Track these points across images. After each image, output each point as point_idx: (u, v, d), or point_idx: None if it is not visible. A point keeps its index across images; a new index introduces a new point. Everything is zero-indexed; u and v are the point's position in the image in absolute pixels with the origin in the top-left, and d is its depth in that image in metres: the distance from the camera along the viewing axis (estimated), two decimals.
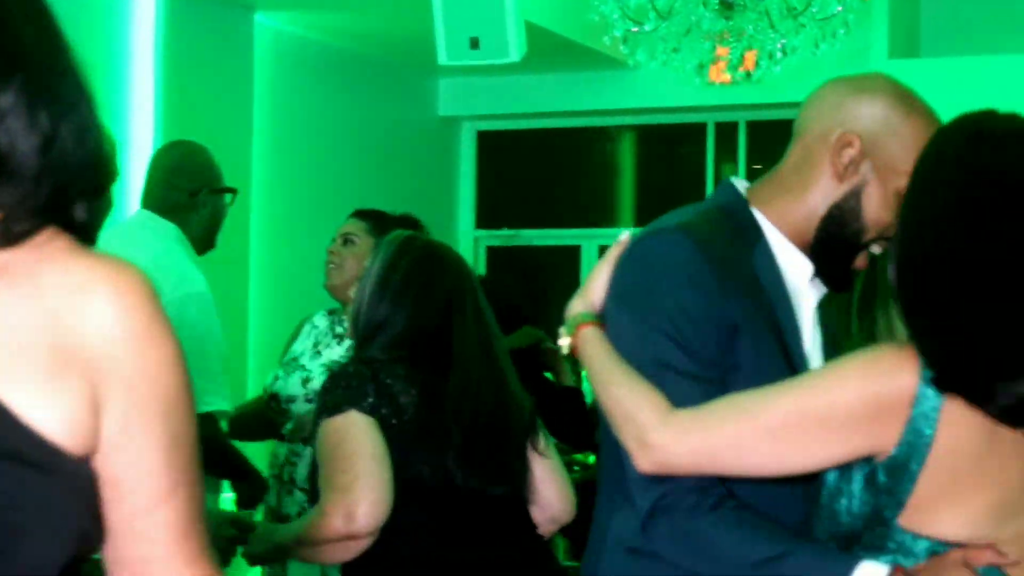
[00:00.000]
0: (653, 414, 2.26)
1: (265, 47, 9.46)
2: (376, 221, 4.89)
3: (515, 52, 8.05)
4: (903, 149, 2.47)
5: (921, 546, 2.27)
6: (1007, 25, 10.10)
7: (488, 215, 11.77)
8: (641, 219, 11.83)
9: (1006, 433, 2.22)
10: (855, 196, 2.51)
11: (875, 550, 2.28)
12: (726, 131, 11.42)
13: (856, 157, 2.50)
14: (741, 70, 7.20)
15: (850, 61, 8.44)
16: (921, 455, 2.22)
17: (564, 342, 2.53)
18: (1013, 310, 2.19)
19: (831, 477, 2.32)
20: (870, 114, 2.53)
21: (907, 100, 2.57)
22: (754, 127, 11.31)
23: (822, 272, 2.59)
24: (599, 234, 11.78)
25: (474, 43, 8.14)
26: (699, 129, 11.45)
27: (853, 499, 2.30)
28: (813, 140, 2.57)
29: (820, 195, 2.53)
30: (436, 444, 3.34)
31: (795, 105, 9.54)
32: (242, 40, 9.13)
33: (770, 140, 11.17)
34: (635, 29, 6.67)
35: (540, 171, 12.11)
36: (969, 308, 2.20)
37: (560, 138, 11.94)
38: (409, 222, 4.84)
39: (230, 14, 8.98)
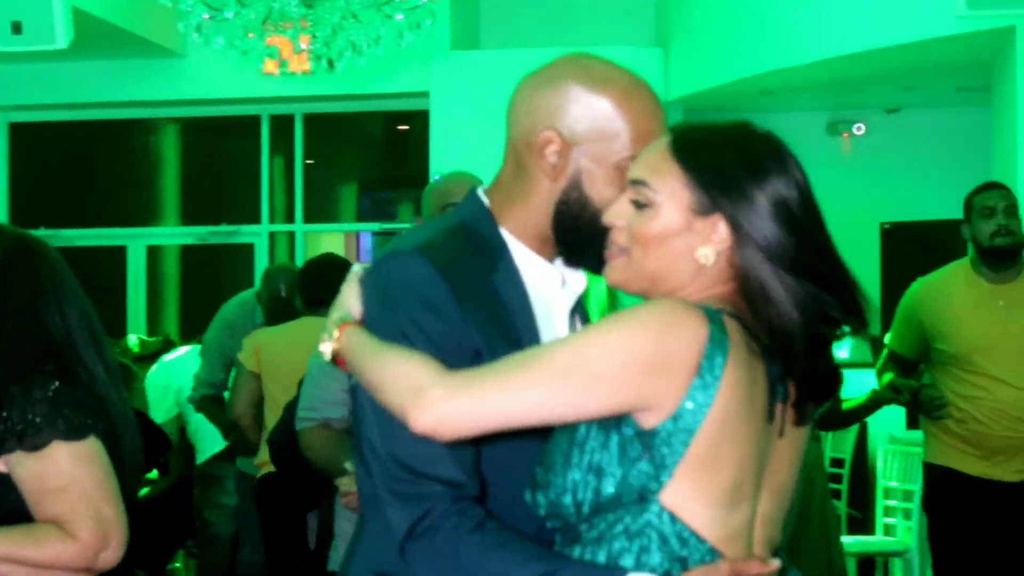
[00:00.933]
0: (427, 374, 2.18)
1: None
2: None
3: (62, 38, 7.86)
4: (606, 121, 2.42)
5: (678, 534, 2.23)
6: (561, 19, 10.55)
7: (23, 214, 11.33)
8: (188, 217, 11.80)
9: (751, 411, 2.22)
10: (576, 187, 2.45)
11: (626, 534, 2.24)
12: (281, 124, 11.42)
13: (561, 151, 2.44)
14: (299, 64, 7.17)
15: (411, 54, 8.58)
16: (697, 421, 2.18)
17: (326, 347, 2.42)
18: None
19: (585, 454, 2.25)
20: (559, 103, 2.45)
21: (590, 73, 2.48)
22: (310, 120, 11.36)
23: (577, 265, 2.56)
24: (145, 233, 11.68)
25: (16, 28, 7.94)
26: (253, 121, 11.41)
27: (606, 475, 2.22)
28: (520, 145, 2.51)
29: (543, 198, 2.48)
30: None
31: (351, 97, 9.66)
32: None
33: (326, 133, 11.28)
34: (207, 16, 6.53)
35: (81, 166, 11.88)
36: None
37: (103, 131, 11.72)
38: None
39: None
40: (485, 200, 2.56)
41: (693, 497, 2.21)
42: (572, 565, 2.23)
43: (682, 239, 2.24)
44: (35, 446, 2.84)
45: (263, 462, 5.78)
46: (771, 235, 2.22)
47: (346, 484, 3.97)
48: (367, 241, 12.46)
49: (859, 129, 11.55)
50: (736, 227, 2.22)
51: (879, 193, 11.01)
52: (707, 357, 2.15)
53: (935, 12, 8.29)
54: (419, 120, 10.63)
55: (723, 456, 2.22)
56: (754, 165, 2.27)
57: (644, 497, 2.20)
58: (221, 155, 11.82)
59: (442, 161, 9.87)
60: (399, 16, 6.90)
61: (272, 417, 5.62)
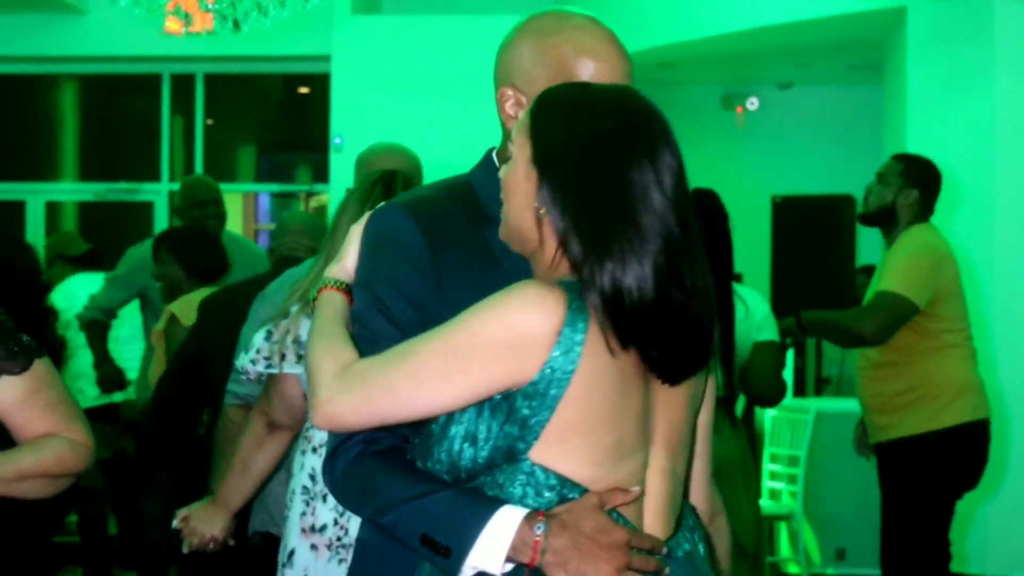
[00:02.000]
0: (329, 373, 2.28)
1: None
2: None
3: None
4: (557, 73, 2.45)
5: (551, 482, 2.25)
6: None
7: None
8: (87, 172, 11.71)
9: (628, 372, 2.24)
10: None
11: (501, 489, 2.27)
12: (182, 84, 11.32)
13: (516, 103, 2.48)
14: (203, 24, 7.10)
15: (314, 18, 8.54)
16: (561, 386, 2.20)
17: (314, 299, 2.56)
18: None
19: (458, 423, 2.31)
20: (512, 61, 2.51)
21: (538, 27, 2.53)
22: (212, 80, 11.25)
23: None
24: (44, 188, 11.57)
25: None
26: (154, 80, 11.30)
27: (480, 441, 2.27)
28: (498, 108, 2.55)
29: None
30: None
31: (252, 59, 9.58)
32: None
33: (227, 94, 11.22)
34: None
35: None
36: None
37: (2, 85, 11.58)
38: None
39: None
40: (495, 160, 2.58)
41: (568, 457, 2.24)
42: (455, 489, 2.27)
43: (523, 189, 2.26)
44: (22, 367, 2.91)
45: None
46: (577, 203, 2.24)
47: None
48: (265, 202, 12.44)
49: (752, 103, 11.63)
50: (548, 188, 2.24)
51: (771, 167, 11.12)
52: (567, 326, 2.19)
53: None
54: (320, 83, 10.60)
55: (596, 417, 2.24)
56: (587, 133, 2.27)
57: (513, 457, 2.23)
58: (121, 113, 11.68)
59: (343, 125, 9.95)
60: None
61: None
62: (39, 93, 11.77)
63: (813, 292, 8.92)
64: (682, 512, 2.39)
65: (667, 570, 2.24)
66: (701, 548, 2.38)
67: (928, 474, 5.58)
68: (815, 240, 9.02)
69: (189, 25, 6.98)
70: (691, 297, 2.26)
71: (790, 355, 8.98)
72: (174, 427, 4.80)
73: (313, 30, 9.72)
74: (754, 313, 5.48)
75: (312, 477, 3.62)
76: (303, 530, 3.62)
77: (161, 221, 11.00)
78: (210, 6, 6.77)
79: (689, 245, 2.27)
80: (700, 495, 2.51)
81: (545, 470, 2.25)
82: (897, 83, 9.04)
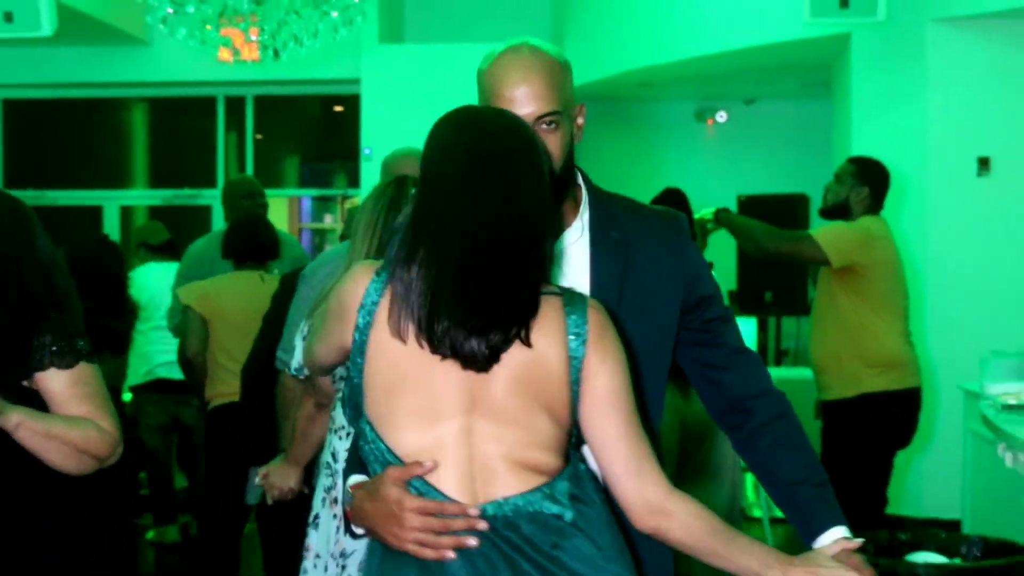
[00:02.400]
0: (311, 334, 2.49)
1: None
2: None
3: (47, 27, 7.83)
4: (486, 99, 2.44)
5: (380, 449, 2.23)
6: (473, 18, 10.52)
7: (15, 177, 11.22)
8: (155, 181, 11.73)
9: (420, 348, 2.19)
10: None
11: (366, 457, 2.28)
12: (235, 105, 11.34)
13: None
14: (249, 54, 7.18)
15: (344, 46, 8.59)
16: (363, 349, 2.21)
17: None
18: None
19: None
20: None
21: (486, 57, 2.49)
22: (260, 101, 11.28)
23: None
24: (118, 195, 11.60)
25: (8, 17, 7.87)
26: (211, 102, 11.32)
27: (344, 402, 2.31)
28: None
29: None
30: None
31: (293, 82, 9.55)
32: None
33: (273, 113, 11.27)
34: (171, 11, 6.53)
35: (64, 137, 11.65)
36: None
37: (83, 107, 11.53)
38: None
39: None
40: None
41: (384, 420, 2.22)
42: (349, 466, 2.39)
43: None
44: (68, 365, 2.93)
45: (212, 396, 5.72)
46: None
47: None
48: (307, 205, 12.49)
49: (721, 116, 11.56)
50: None
51: (737, 170, 11.03)
52: (367, 296, 2.19)
53: (785, 19, 8.35)
54: (351, 103, 10.57)
55: (397, 382, 2.19)
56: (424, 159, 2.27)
57: (359, 413, 2.25)
58: (183, 130, 11.66)
59: (372, 138, 9.94)
60: (334, 13, 6.84)
61: (223, 356, 5.61)
62: (114, 114, 11.76)
63: (772, 276, 8.94)
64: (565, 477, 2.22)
65: (479, 525, 2.15)
66: (569, 514, 2.20)
67: (862, 433, 5.57)
68: None
69: (238, 55, 7.01)
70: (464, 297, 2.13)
71: (754, 329, 9.04)
72: (262, 384, 4.63)
73: (345, 57, 9.71)
74: None
75: (333, 455, 3.59)
76: (326, 500, 3.61)
77: (218, 221, 10.89)
78: (253, 38, 6.79)
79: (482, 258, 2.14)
80: (623, 469, 2.23)
81: (376, 438, 2.22)
82: (844, 98, 9.02)
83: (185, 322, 5.74)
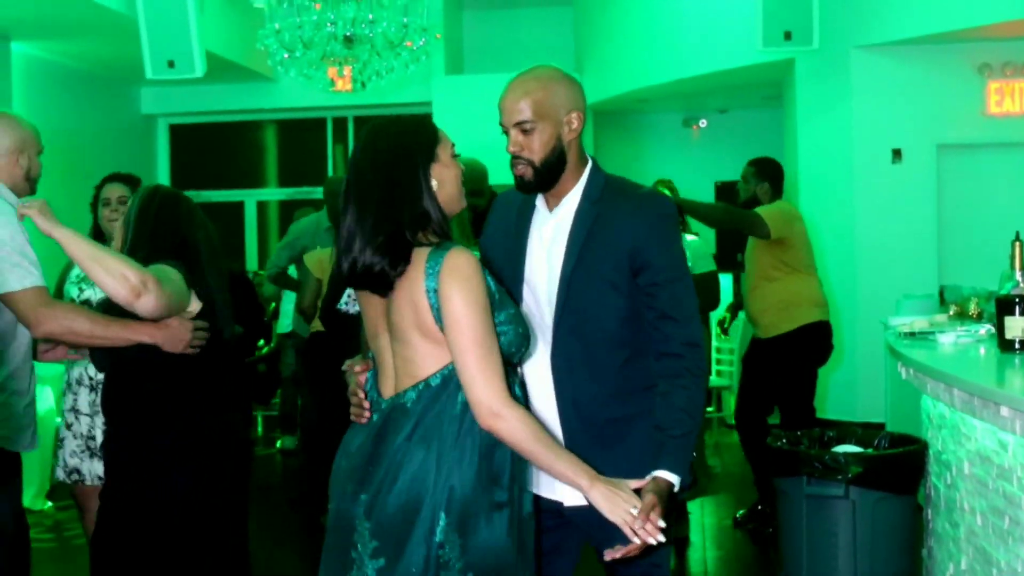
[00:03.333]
0: None
1: (20, 70, 8.83)
2: (133, 183, 4.23)
3: (199, 69, 7.88)
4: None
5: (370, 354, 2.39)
6: (514, 53, 10.52)
7: (179, 181, 11.30)
8: (282, 181, 11.76)
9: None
10: None
11: None
12: (339, 124, 11.38)
13: None
14: (344, 85, 7.20)
15: (418, 77, 8.61)
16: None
17: None
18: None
19: None
20: None
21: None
22: (359, 120, 11.28)
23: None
24: (256, 193, 11.67)
25: (171, 64, 7.92)
26: (321, 122, 11.38)
27: None
28: None
29: None
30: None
31: (383, 106, 9.54)
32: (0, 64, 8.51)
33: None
34: (286, 55, 6.58)
35: (215, 151, 11.74)
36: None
37: (228, 128, 11.63)
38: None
39: None
40: None
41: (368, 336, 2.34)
42: None
43: None
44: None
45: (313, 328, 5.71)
46: None
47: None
48: None
49: (703, 123, 11.51)
50: None
51: (715, 163, 10.96)
52: None
53: (746, 48, 8.30)
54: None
55: (363, 306, 2.31)
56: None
57: None
58: (302, 143, 11.71)
59: None
60: (409, 48, 6.83)
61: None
62: (251, 132, 11.81)
63: (741, 242, 8.92)
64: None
65: (366, 413, 2.26)
66: (417, 407, 2.19)
67: (800, 357, 5.50)
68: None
69: (332, 86, 6.97)
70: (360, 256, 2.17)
71: (730, 281, 9.00)
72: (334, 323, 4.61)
73: (419, 86, 9.71)
74: (693, 256, 5.41)
75: None
76: None
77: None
78: (345, 73, 6.78)
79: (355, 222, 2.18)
80: (467, 377, 2.14)
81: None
82: (791, 106, 8.98)
83: (303, 279, 5.70)
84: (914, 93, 8.10)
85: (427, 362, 2.19)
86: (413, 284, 2.16)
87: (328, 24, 6.36)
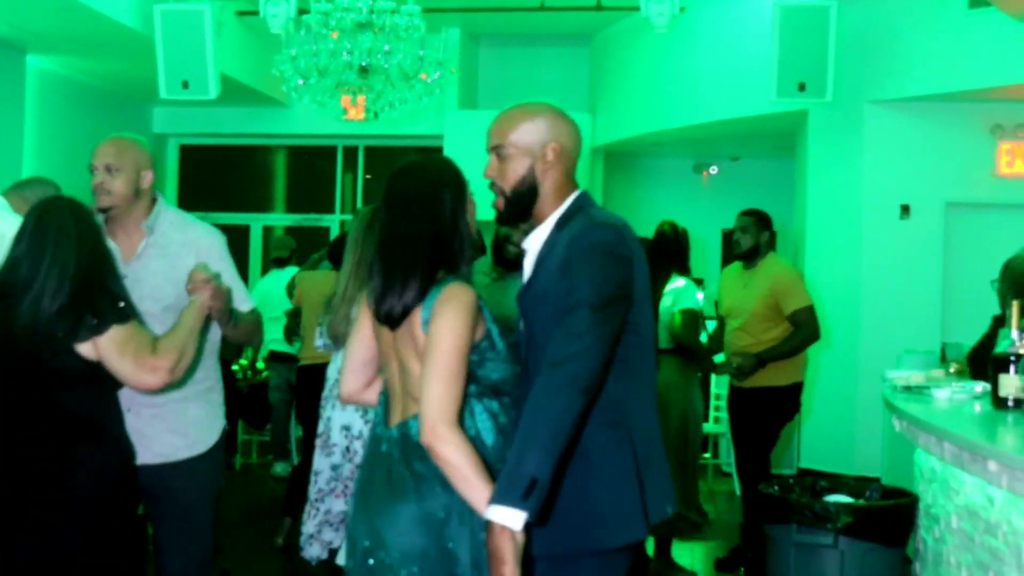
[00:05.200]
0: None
1: (34, 83, 8.96)
2: None
3: (213, 91, 7.98)
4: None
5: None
6: (529, 90, 10.55)
7: (186, 202, 11.32)
8: (289, 207, 11.83)
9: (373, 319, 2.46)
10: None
11: None
12: (350, 152, 11.43)
13: None
14: (357, 114, 7.29)
15: (431, 110, 8.68)
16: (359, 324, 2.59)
17: None
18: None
19: None
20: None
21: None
22: (369, 150, 11.36)
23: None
24: (262, 217, 11.72)
25: (185, 84, 8.02)
26: (332, 149, 11.44)
27: None
28: None
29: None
30: None
31: (394, 137, 9.49)
32: (15, 76, 8.63)
33: (378, 158, 11.38)
34: (301, 82, 6.67)
35: (224, 174, 11.81)
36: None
37: (238, 151, 11.70)
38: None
39: (5, 54, 8.46)
40: None
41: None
42: None
43: None
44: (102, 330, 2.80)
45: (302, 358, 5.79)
46: None
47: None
48: None
49: (713, 170, 11.54)
50: None
51: (723, 210, 10.44)
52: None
53: (759, 98, 8.31)
54: (437, 153, 10.64)
55: (372, 342, 2.51)
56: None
57: None
58: (311, 170, 11.77)
59: None
60: (416, 86, 6.91)
61: (308, 330, 5.61)
62: (261, 157, 11.88)
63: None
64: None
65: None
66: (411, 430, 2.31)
67: (778, 411, 5.58)
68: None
69: (344, 114, 7.06)
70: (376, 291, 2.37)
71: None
72: None
73: (432, 119, 9.74)
74: (676, 299, 5.62)
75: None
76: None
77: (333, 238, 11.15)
78: (359, 102, 6.84)
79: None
80: (419, 399, 2.26)
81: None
82: (802, 157, 9.01)
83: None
84: (925, 150, 8.16)
85: None
86: (413, 317, 2.31)
87: (344, 53, 6.45)
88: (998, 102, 7.98)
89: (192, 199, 11.39)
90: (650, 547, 6.11)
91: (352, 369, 2.56)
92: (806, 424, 8.26)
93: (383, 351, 2.43)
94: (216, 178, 11.77)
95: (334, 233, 11.29)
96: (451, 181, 2.40)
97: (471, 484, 2.17)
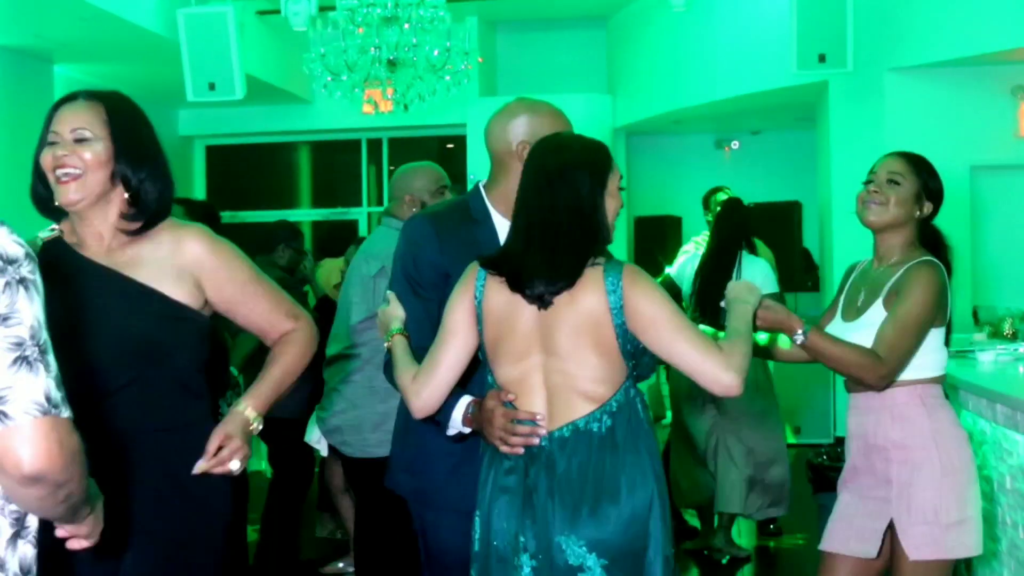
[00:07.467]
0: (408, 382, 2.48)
1: (61, 93, 9.00)
2: (186, 206, 4.37)
3: (240, 92, 8.04)
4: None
5: (488, 379, 2.43)
6: (548, 76, 10.60)
7: (213, 201, 11.22)
8: (316, 201, 11.87)
9: (516, 306, 2.33)
10: None
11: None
12: (374, 145, 11.45)
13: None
14: (386, 107, 7.32)
15: (454, 100, 8.67)
16: (480, 313, 2.37)
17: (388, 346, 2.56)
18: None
19: None
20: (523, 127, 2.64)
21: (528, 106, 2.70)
22: (392, 142, 11.37)
23: None
24: (288, 213, 11.60)
25: (212, 86, 8.08)
26: (356, 143, 11.44)
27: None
28: (503, 153, 2.66)
29: (513, 184, 2.50)
30: None
31: (417, 127, 9.48)
32: (43, 86, 8.70)
33: (402, 149, 11.41)
34: (330, 79, 6.72)
35: (249, 172, 11.84)
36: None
37: (264, 149, 11.72)
38: (207, 206, 4.66)
39: (32, 64, 8.54)
40: (481, 186, 2.73)
41: (492, 360, 2.40)
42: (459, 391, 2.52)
43: None
44: None
45: None
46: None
47: None
48: None
49: (735, 145, 11.51)
50: None
51: (746, 184, 10.46)
52: (478, 280, 2.38)
53: (780, 70, 8.31)
54: (460, 142, 10.63)
55: (497, 334, 2.36)
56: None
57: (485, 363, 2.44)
58: (336, 164, 11.76)
59: (475, 167, 9.97)
60: (447, 77, 6.99)
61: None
62: (287, 153, 11.88)
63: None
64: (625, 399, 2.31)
65: (536, 438, 2.30)
66: (601, 426, 2.29)
67: None
68: (775, 231, 9.00)
69: (378, 108, 7.14)
70: (530, 261, 2.28)
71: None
72: None
73: (454, 108, 9.67)
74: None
75: None
76: None
77: (362, 231, 11.09)
78: (389, 96, 6.90)
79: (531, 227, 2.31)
80: (689, 364, 2.25)
81: (488, 369, 2.41)
82: (824, 128, 9.02)
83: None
84: (947, 115, 8.16)
85: (600, 383, 2.30)
86: (591, 302, 2.26)
87: (372, 48, 6.49)
88: (1018, 64, 7.96)
89: (220, 199, 11.42)
90: (693, 519, 6.16)
91: (438, 385, 2.40)
92: (841, 393, 8.25)
93: (519, 336, 2.31)
94: (243, 177, 11.80)
95: (362, 226, 11.30)
96: (592, 160, 2.35)
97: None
